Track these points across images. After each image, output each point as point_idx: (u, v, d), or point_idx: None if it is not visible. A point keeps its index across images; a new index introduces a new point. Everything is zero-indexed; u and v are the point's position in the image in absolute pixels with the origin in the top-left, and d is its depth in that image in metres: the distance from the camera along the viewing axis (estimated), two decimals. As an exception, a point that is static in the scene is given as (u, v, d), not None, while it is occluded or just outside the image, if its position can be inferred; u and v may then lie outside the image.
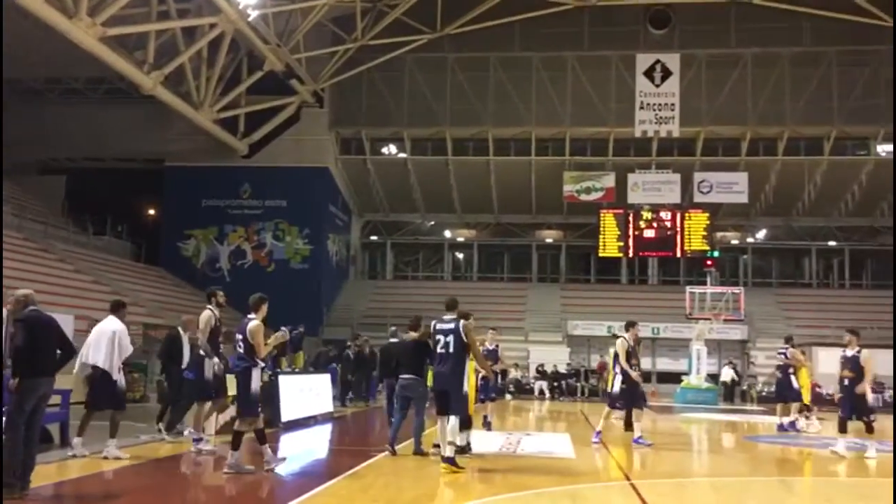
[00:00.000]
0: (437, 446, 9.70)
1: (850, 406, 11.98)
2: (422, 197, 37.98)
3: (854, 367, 11.92)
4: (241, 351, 8.88)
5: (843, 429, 11.99)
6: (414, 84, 34.93)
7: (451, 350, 9.32)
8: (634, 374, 12.43)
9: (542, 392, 29.20)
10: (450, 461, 9.13)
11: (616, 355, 12.65)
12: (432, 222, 40.68)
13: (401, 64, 34.44)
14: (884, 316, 32.45)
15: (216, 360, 10.25)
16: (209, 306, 10.26)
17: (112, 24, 23.53)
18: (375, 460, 10.12)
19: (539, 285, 38.60)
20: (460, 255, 41.89)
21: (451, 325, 9.38)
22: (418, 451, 10.24)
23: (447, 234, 40.87)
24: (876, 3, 30.57)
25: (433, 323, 9.69)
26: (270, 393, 14.17)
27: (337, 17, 32.34)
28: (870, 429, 11.98)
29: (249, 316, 8.92)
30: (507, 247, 40.43)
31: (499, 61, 34.53)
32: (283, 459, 9.08)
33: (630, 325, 12.96)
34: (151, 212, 39.61)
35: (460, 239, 40.80)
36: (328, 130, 35.53)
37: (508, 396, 26.86)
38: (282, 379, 14.23)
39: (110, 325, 9.59)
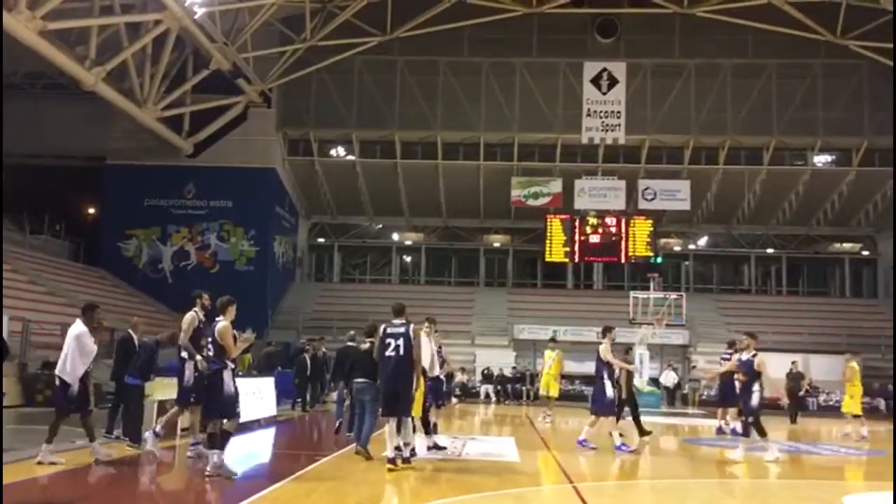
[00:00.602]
0: (398, 449, 9.76)
1: (748, 407, 12.08)
2: (370, 200, 37.83)
3: (748, 371, 12.13)
4: (211, 353, 8.99)
5: (761, 432, 12.04)
6: (363, 86, 34.78)
7: (401, 353, 9.62)
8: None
9: (487, 395, 29.32)
10: (406, 461, 9.56)
11: (602, 362, 12.57)
12: (380, 225, 40.55)
13: (350, 66, 34.24)
14: (818, 322, 33.52)
15: (199, 359, 10.05)
16: (195, 308, 10.22)
17: (53, 18, 22.90)
18: (319, 464, 10.05)
19: (486, 289, 38.78)
20: (408, 259, 41.85)
21: (402, 330, 9.71)
22: (362, 451, 10.22)
23: (395, 237, 40.80)
24: (815, 18, 31.48)
25: (383, 327, 9.90)
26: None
27: (285, 17, 32.03)
28: (746, 431, 12.08)
29: (217, 318, 9.07)
30: (455, 251, 40.52)
31: (448, 66, 34.62)
32: (235, 474, 8.94)
33: (608, 330, 13.07)
34: (91, 211, 38.62)
35: (408, 242, 40.77)
36: (276, 131, 35.14)
37: (455, 400, 26.90)
38: (225, 382, 13.99)
39: (72, 329, 9.55)
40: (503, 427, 18.83)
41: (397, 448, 9.63)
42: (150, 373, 11.25)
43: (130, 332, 11.52)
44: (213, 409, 9.03)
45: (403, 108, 34.67)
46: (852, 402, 17.18)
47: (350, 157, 36.19)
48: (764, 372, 12.09)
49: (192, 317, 10.15)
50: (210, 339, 9.03)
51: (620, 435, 12.82)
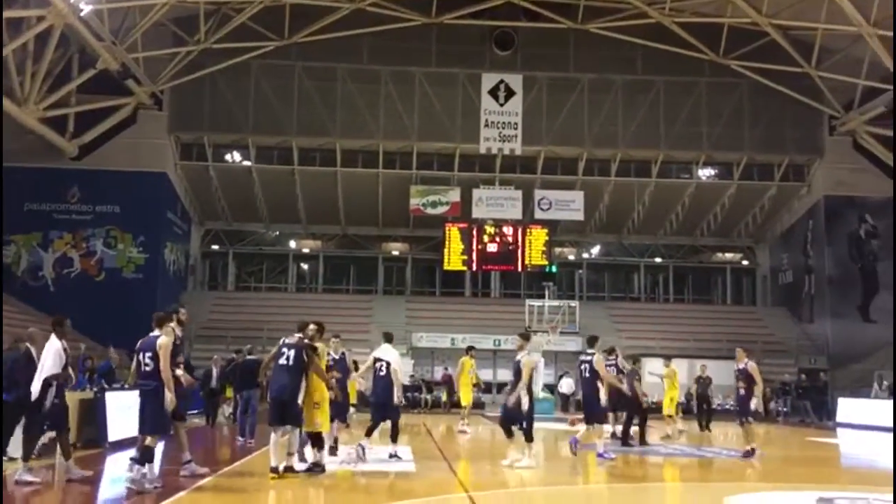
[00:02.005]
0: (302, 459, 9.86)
1: (504, 411, 11.86)
2: (266, 206, 37.14)
3: (515, 371, 11.88)
4: (149, 369, 8.94)
5: (509, 434, 11.72)
6: (260, 91, 34.11)
7: (291, 363, 9.80)
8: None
9: (385, 404, 29.19)
10: (289, 469, 9.65)
11: (594, 371, 12.78)
12: (277, 232, 39.89)
13: (246, 70, 33.53)
14: (702, 328, 34.97)
15: (179, 373, 9.76)
16: (171, 324, 9.85)
17: (-78, 9, 21.50)
18: (210, 480, 9.75)
19: (384, 297, 38.66)
20: (305, 267, 41.30)
21: (295, 342, 9.94)
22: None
23: (292, 244, 40.20)
24: (700, 38, 32.98)
25: (282, 339, 10.14)
26: (95, 410, 13.41)
27: (178, 17, 31.08)
28: (526, 436, 11.61)
29: (154, 333, 9.09)
30: (353, 259, 40.27)
31: (347, 73, 34.39)
32: (158, 487, 8.79)
33: (594, 340, 13.33)
34: (-35, 215, 36.37)
35: (305, 250, 40.24)
36: (167, 134, 34.04)
37: (352, 410, 26.61)
38: (108, 395, 13.46)
39: (49, 345, 9.40)
40: (400, 436, 18.74)
41: (290, 455, 9.83)
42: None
43: (29, 346, 10.60)
44: (149, 425, 9.04)
45: (301, 114, 34.21)
46: (671, 403, 18.11)
47: (246, 163, 35.44)
48: (527, 373, 11.58)
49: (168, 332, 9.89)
50: (150, 355, 8.97)
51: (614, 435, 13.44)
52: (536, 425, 15.34)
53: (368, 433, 11.98)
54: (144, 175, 32.61)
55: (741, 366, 14.20)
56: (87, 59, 28.93)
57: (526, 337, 12.13)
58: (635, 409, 15.40)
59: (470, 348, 20.40)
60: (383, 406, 12.05)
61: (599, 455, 12.82)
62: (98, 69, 28.67)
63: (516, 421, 11.65)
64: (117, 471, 10.33)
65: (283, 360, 9.86)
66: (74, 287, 31.60)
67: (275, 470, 9.62)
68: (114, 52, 28.30)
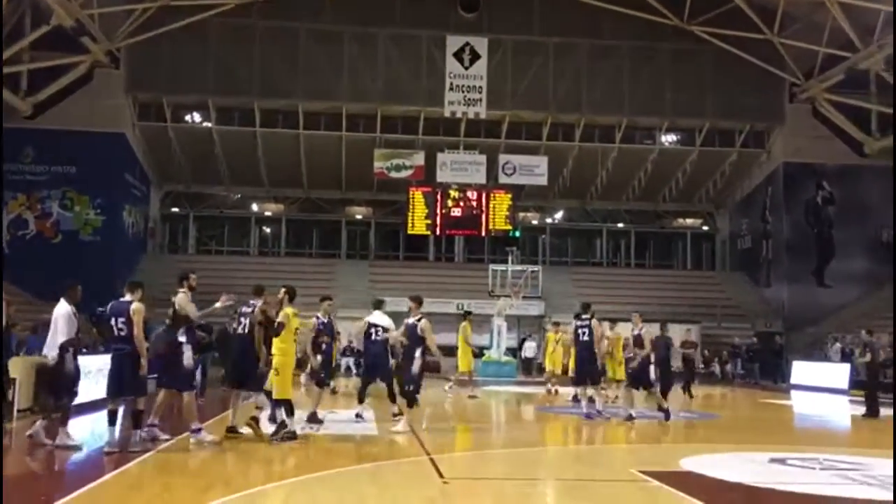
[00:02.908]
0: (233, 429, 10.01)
1: (407, 376, 11.56)
2: (227, 168, 36.63)
3: (411, 335, 11.61)
4: (123, 334, 9.03)
5: (411, 401, 11.50)
6: (220, 51, 33.39)
7: (246, 331, 10.31)
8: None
9: (348, 368, 29.27)
10: (249, 426, 10.05)
11: (592, 334, 13.52)
12: (238, 195, 39.43)
13: (206, 29, 32.75)
14: (663, 293, 35.46)
15: (223, 298, 10.23)
16: (182, 290, 10.03)
17: None
18: (173, 443, 9.72)
19: (348, 262, 38.56)
20: (268, 230, 40.96)
21: (250, 309, 10.38)
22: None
23: (254, 207, 39.80)
24: (664, 3, 32.92)
25: (241, 307, 10.57)
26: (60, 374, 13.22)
27: (135, -28, 30.23)
28: (409, 401, 11.48)
29: (126, 298, 9.20)
30: (316, 222, 40.04)
31: (309, 33, 33.80)
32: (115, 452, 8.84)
33: (589, 307, 14.12)
34: (-86, 175, 35.33)
35: (268, 213, 39.89)
36: (124, 94, 33.27)
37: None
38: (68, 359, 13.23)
39: (58, 309, 9.42)
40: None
41: (252, 418, 10.19)
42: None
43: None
44: (128, 388, 9.18)
45: (263, 75, 33.63)
46: (620, 368, 18.24)
47: (206, 124, 34.85)
48: (429, 337, 11.51)
49: (187, 297, 10.05)
50: (123, 320, 9.03)
51: (591, 400, 13.95)
52: (498, 388, 15.52)
53: (360, 399, 12.61)
54: (101, 135, 31.91)
55: (636, 331, 14.08)
56: (41, 15, 28.04)
57: (418, 300, 11.93)
58: (670, 377, 15.65)
59: (467, 313, 20.50)
60: (375, 368, 12.48)
61: (587, 416, 13.51)
62: (52, 25, 27.80)
63: (404, 383, 11.56)
64: (78, 435, 10.21)
65: (241, 329, 10.41)
66: (30, 249, 31.01)
67: (232, 430, 10.16)
68: (68, 7, 27.43)
